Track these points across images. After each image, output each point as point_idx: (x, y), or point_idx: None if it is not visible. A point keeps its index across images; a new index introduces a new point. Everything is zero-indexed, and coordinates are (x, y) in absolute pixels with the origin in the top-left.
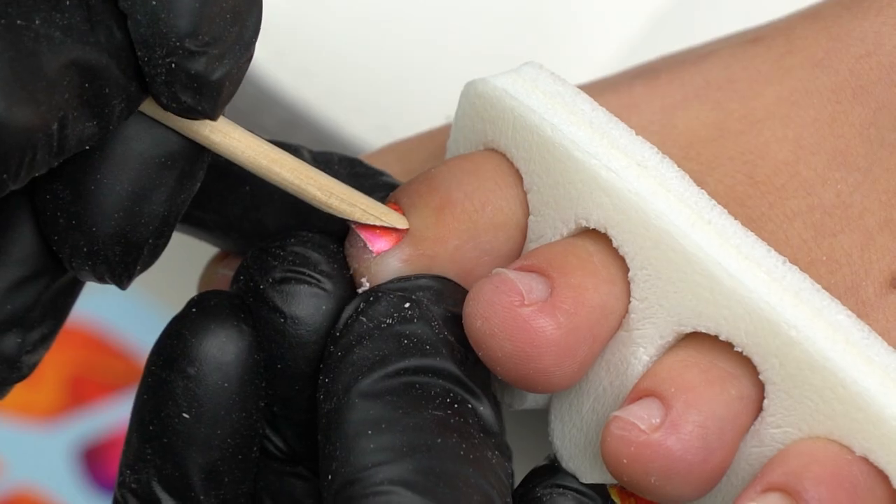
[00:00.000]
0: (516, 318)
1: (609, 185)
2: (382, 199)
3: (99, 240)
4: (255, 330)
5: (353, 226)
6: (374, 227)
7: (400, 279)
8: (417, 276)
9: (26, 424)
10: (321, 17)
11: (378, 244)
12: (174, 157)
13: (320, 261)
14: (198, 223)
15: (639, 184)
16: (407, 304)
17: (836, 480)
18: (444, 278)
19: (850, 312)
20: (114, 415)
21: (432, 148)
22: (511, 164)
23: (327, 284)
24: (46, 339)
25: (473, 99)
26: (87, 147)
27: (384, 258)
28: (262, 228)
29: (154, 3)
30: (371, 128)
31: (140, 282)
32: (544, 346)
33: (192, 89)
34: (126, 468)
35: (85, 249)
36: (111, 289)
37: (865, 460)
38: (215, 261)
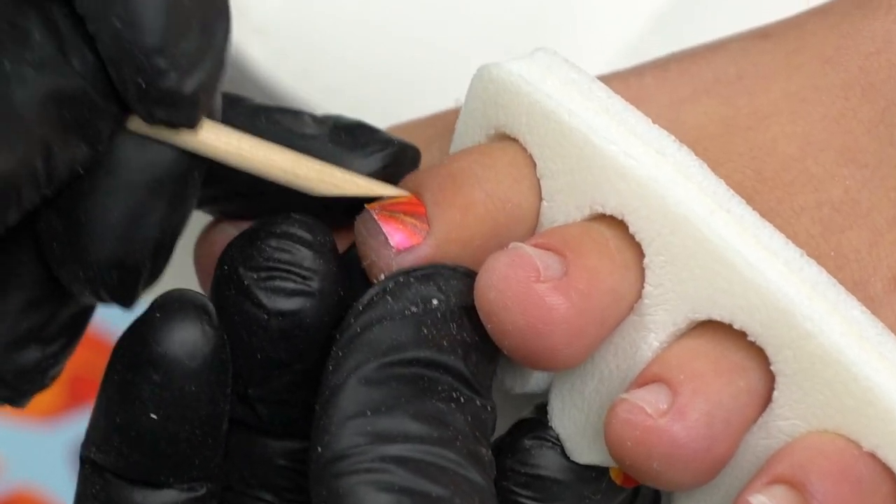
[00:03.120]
0: (531, 293)
1: (628, 172)
2: (379, 153)
3: (94, 267)
4: (236, 318)
5: (375, 215)
6: (394, 219)
7: (434, 266)
8: (452, 267)
9: (26, 424)
10: (321, 18)
11: (398, 238)
12: (163, 181)
13: (306, 256)
14: (205, 198)
15: (658, 171)
16: (435, 301)
17: (842, 475)
18: (476, 273)
19: (864, 308)
20: None
21: (439, 127)
22: (524, 150)
23: (313, 283)
24: (66, 350)
25: (486, 83)
26: (82, 171)
27: (405, 257)
28: (265, 188)
29: (118, 24)
30: None
31: None
32: (556, 324)
33: (166, 104)
34: (93, 444)
35: (82, 276)
36: None
37: (872, 456)
38: (214, 222)
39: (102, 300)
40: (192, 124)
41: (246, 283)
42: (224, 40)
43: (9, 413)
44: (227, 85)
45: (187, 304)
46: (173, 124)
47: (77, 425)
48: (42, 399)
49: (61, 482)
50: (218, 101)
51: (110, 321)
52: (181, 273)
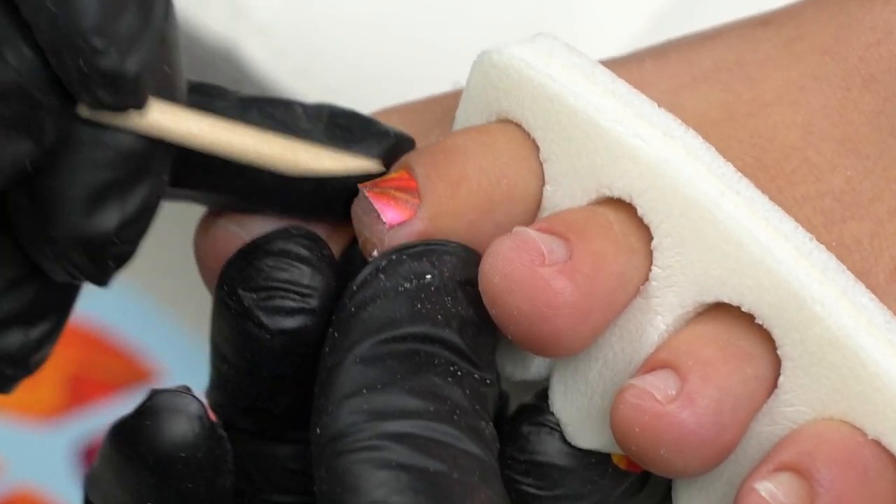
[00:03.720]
0: (536, 277)
1: (637, 153)
2: (376, 147)
3: (60, 244)
4: (239, 338)
5: (366, 192)
6: (385, 195)
7: (427, 242)
8: (444, 243)
9: (26, 424)
10: (321, 18)
11: (390, 214)
12: (126, 158)
13: (305, 274)
14: (196, 188)
15: (667, 152)
16: (428, 276)
17: (848, 462)
18: (470, 249)
19: (873, 296)
20: (114, 414)
21: (438, 111)
22: (527, 134)
23: (313, 300)
24: (51, 336)
25: (487, 69)
26: (28, 162)
27: (398, 232)
28: (258, 183)
29: (53, 8)
30: None
31: (140, 281)
32: (561, 308)
33: (109, 86)
34: (95, 496)
35: (49, 253)
36: (110, 288)
37: (877, 443)
38: (212, 215)
39: (75, 278)
40: (138, 105)
41: (246, 304)
42: (163, 17)
43: (9, 413)
44: (227, 84)
45: (179, 412)
46: (119, 107)
47: (77, 425)
48: (42, 399)
49: (62, 482)
50: (181, 84)
51: (110, 321)
52: (183, 268)
